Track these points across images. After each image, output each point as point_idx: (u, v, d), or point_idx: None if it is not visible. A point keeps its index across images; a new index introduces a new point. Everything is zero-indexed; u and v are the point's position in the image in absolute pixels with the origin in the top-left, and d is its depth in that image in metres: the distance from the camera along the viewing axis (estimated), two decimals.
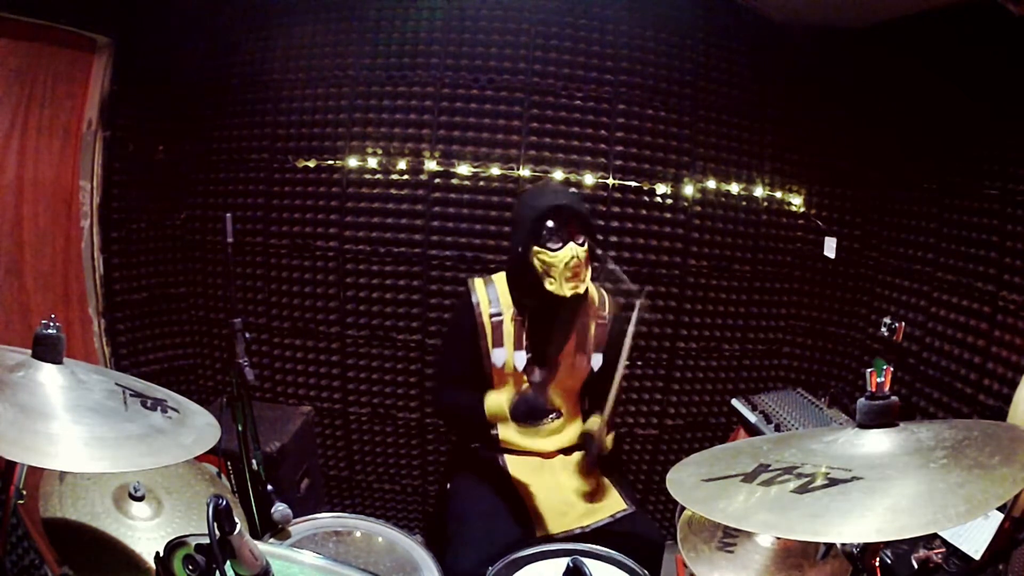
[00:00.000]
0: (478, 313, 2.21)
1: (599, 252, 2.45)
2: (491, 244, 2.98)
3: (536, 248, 2.10)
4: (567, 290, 2.10)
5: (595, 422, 2.19)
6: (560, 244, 2.08)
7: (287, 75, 3.01)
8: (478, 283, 2.28)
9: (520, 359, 2.19)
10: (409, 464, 3.23)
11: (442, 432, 3.16)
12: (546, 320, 2.19)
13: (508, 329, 2.20)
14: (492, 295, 2.24)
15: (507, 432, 2.25)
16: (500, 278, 2.28)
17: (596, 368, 2.30)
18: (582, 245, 2.10)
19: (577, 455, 2.26)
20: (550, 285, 2.10)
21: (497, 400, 2.12)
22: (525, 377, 2.21)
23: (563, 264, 2.07)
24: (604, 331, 2.28)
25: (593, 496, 2.17)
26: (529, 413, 2.09)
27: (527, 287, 2.16)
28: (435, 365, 3.03)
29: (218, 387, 3.22)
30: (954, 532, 1.68)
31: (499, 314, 2.21)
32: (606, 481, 2.23)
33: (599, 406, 2.22)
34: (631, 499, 2.19)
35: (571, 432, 2.30)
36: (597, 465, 2.22)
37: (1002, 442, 1.08)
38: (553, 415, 2.25)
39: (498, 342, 2.20)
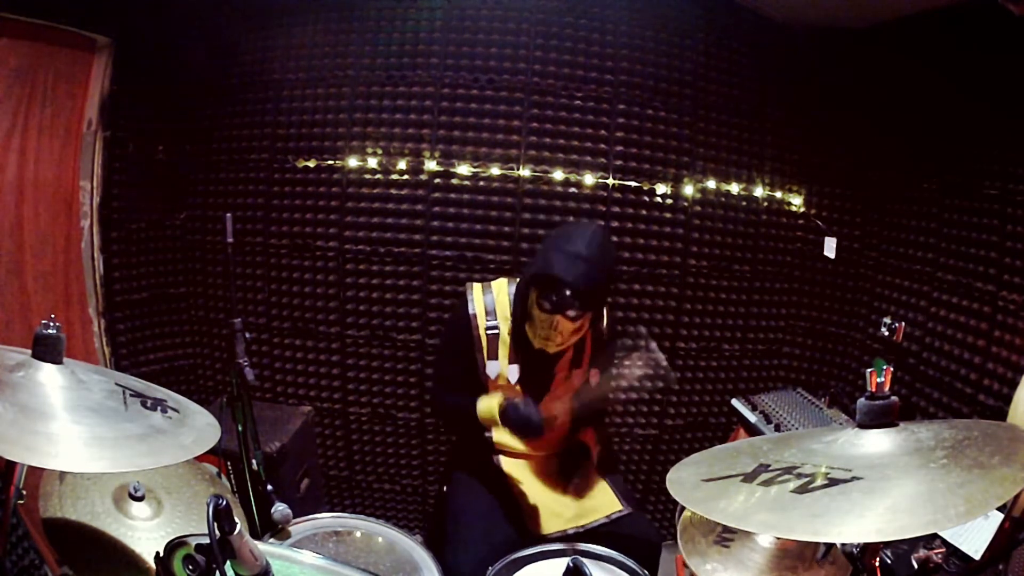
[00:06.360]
0: (474, 326, 2.16)
1: (641, 330, 2.49)
2: (491, 244, 2.98)
3: (533, 294, 2.00)
4: (537, 343, 2.05)
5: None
6: (550, 309, 1.96)
7: (287, 75, 3.01)
8: (476, 292, 2.20)
9: (514, 372, 2.15)
10: (409, 464, 3.24)
11: (442, 432, 3.16)
12: None
13: (504, 341, 2.15)
14: (489, 305, 2.16)
15: (501, 434, 2.24)
16: (500, 286, 2.21)
17: (595, 384, 2.27)
18: (573, 320, 1.98)
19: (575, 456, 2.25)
20: (528, 329, 2.06)
21: (488, 405, 2.08)
22: (519, 388, 2.18)
23: (540, 324, 2.00)
24: (602, 348, 2.21)
25: (588, 497, 2.16)
26: (521, 425, 2.01)
27: (522, 311, 2.08)
28: (432, 368, 3.03)
29: (218, 387, 3.22)
30: (954, 532, 1.67)
31: (495, 327, 2.15)
32: (602, 482, 2.22)
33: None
34: (628, 500, 2.17)
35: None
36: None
37: (1002, 442, 1.08)
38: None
39: (492, 355, 2.16)
